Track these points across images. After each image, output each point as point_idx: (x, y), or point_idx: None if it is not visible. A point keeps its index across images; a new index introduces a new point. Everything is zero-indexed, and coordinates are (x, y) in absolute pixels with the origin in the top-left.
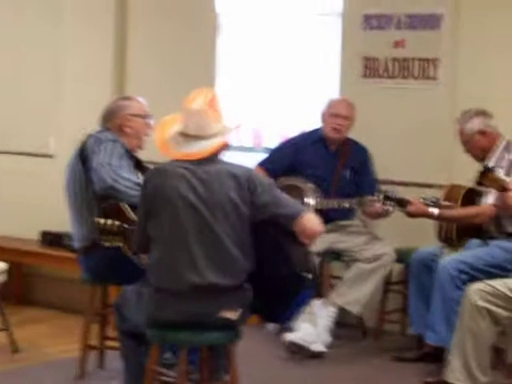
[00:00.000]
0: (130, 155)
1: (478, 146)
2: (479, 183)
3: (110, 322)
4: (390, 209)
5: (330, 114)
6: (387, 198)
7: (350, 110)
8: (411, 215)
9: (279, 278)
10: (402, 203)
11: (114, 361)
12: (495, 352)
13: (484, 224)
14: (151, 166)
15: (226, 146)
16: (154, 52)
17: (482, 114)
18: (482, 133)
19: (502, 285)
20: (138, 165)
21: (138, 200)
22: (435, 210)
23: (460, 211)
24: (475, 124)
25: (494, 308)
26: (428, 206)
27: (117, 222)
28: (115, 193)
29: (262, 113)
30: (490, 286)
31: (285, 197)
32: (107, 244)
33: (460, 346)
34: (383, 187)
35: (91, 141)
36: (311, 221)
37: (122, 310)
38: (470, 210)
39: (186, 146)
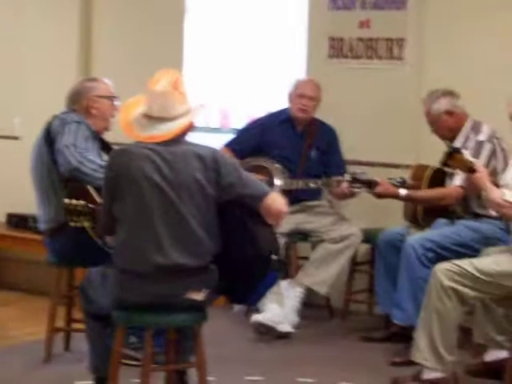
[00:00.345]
0: (96, 137)
1: (445, 126)
2: (445, 164)
3: (76, 305)
4: (358, 191)
5: (297, 94)
6: (355, 180)
7: (315, 91)
8: (379, 196)
9: (246, 260)
10: (369, 184)
11: (81, 343)
12: (462, 332)
13: (451, 205)
14: (115, 147)
15: (191, 127)
16: (121, 33)
17: (449, 94)
18: (450, 113)
19: (468, 264)
20: (104, 146)
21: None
22: (403, 191)
23: (427, 192)
24: (442, 104)
25: (460, 288)
26: (396, 186)
27: (82, 202)
28: (80, 175)
29: (229, 93)
30: (456, 265)
31: (250, 177)
32: (73, 224)
33: (426, 326)
34: (350, 168)
35: (56, 122)
36: (276, 201)
37: (87, 292)
38: (438, 192)
39: (151, 128)
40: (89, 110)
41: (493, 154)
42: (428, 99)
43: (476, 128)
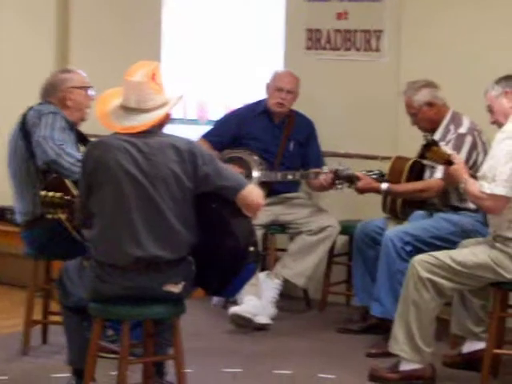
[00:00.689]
0: (72, 128)
1: (426, 117)
2: (423, 156)
3: (53, 297)
4: (340, 187)
5: (275, 87)
6: (337, 177)
7: (293, 84)
8: (360, 191)
9: (223, 252)
10: (351, 180)
11: (58, 336)
12: (439, 323)
13: (431, 197)
14: (92, 139)
15: (167, 119)
16: (98, 25)
17: (430, 85)
18: (431, 104)
19: (446, 256)
20: (81, 138)
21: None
22: (384, 185)
23: (408, 186)
24: (423, 95)
25: (438, 279)
26: (376, 180)
27: (58, 194)
28: (58, 167)
29: (206, 85)
30: (434, 257)
31: (227, 169)
32: (49, 216)
33: (404, 318)
34: (330, 162)
35: (32, 114)
36: (253, 193)
37: (64, 284)
38: (418, 185)
39: (127, 119)
40: (64, 101)
41: (474, 146)
42: (408, 90)
43: (456, 120)
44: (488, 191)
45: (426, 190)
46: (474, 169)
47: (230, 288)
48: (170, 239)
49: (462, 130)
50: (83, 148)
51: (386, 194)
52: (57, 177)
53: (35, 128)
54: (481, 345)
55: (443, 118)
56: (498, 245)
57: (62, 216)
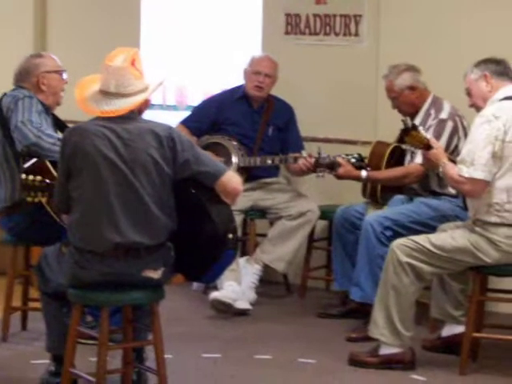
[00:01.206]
0: (48, 112)
1: (408, 101)
2: (402, 141)
3: (32, 284)
4: (321, 175)
5: (252, 71)
6: (318, 165)
7: (271, 68)
8: (340, 177)
9: (202, 238)
10: (332, 166)
11: (37, 322)
12: (419, 307)
13: (412, 183)
14: (69, 124)
15: (146, 105)
16: (77, 10)
17: (412, 69)
18: (412, 88)
19: (425, 240)
20: (57, 123)
21: None
22: (364, 173)
23: (389, 173)
24: (405, 79)
25: (417, 263)
26: (357, 167)
27: (39, 177)
28: (39, 150)
29: (185, 71)
30: (413, 241)
31: (206, 155)
32: (30, 199)
33: (384, 302)
34: (308, 145)
35: (7, 99)
36: (232, 179)
37: (43, 271)
38: (399, 171)
39: (107, 104)
40: (38, 86)
41: (455, 132)
42: (390, 74)
43: (437, 105)
44: (467, 175)
45: (406, 176)
46: (455, 154)
47: (210, 274)
48: (149, 225)
49: (443, 115)
50: (60, 133)
51: (367, 181)
52: (38, 161)
53: (12, 113)
54: (460, 328)
55: (424, 102)
56: (477, 229)
57: (43, 199)
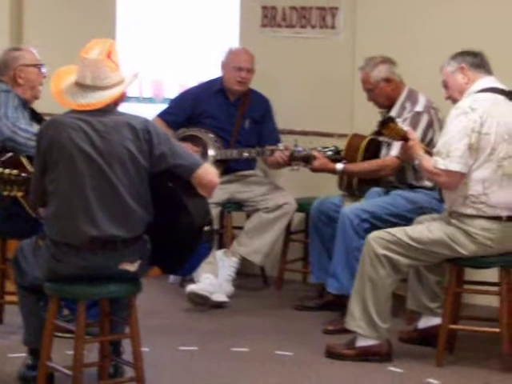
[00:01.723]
0: (25, 106)
1: (384, 93)
2: (379, 133)
3: (9, 277)
4: (296, 168)
5: (234, 67)
6: (293, 158)
7: (252, 62)
8: (315, 170)
9: (178, 230)
10: (307, 160)
11: (14, 315)
12: (395, 299)
13: (388, 175)
14: (47, 118)
15: (123, 97)
16: (53, 2)
17: (388, 61)
18: (388, 80)
19: (401, 232)
20: (34, 116)
21: None
22: (339, 166)
23: (364, 165)
24: (381, 71)
25: (393, 255)
26: (332, 160)
27: (15, 171)
28: (14, 144)
29: (162, 63)
30: (389, 233)
31: (182, 148)
32: (6, 193)
33: (360, 294)
34: (285, 138)
35: None
36: (209, 173)
37: (20, 264)
38: (374, 164)
39: (82, 96)
40: (16, 79)
41: (430, 125)
42: (366, 66)
43: (412, 97)
44: (442, 167)
45: (381, 168)
46: (430, 147)
47: (186, 266)
48: (125, 218)
49: (419, 108)
50: (37, 126)
51: (343, 174)
52: (13, 155)
53: None
54: (436, 320)
55: (399, 94)
56: (453, 221)
57: (19, 194)
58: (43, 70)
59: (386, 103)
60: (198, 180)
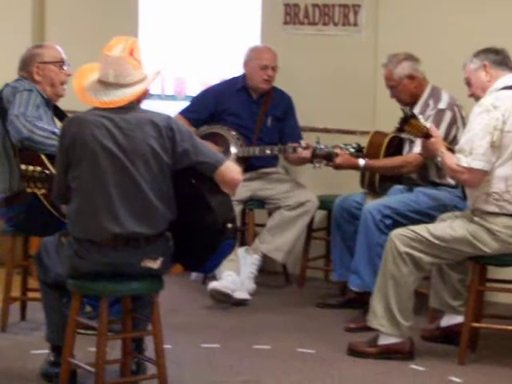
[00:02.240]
0: (49, 104)
1: (407, 90)
2: (401, 130)
3: (31, 274)
4: (318, 165)
5: (260, 66)
6: (315, 155)
7: (276, 60)
8: (338, 167)
9: (201, 228)
10: (329, 157)
11: (37, 312)
12: (418, 297)
13: (411, 172)
14: (70, 115)
15: (145, 95)
16: (75, 3)
17: (411, 58)
18: (411, 77)
19: (424, 230)
20: (58, 114)
21: (55, 149)
22: (362, 162)
23: (387, 162)
24: (404, 68)
25: (416, 253)
26: (354, 156)
27: (38, 168)
28: (32, 144)
29: (184, 61)
30: (412, 231)
31: (205, 146)
32: (29, 190)
33: (382, 292)
34: (306, 135)
35: (7, 90)
36: (231, 170)
37: (43, 261)
38: (397, 160)
39: (105, 94)
40: (34, 76)
41: (453, 121)
42: (389, 63)
43: (435, 95)
44: (465, 164)
45: (404, 165)
46: (453, 144)
47: (209, 264)
48: (148, 215)
49: (442, 105)
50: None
51: (365, 170)
52: (33, 153)
53: (10, 105)
54: (459, 319)
55: (422, 91)
56: (476, 219)
57: (41, 191)
58: (65, 67)
59: (409, 100)
60: (221, 177)
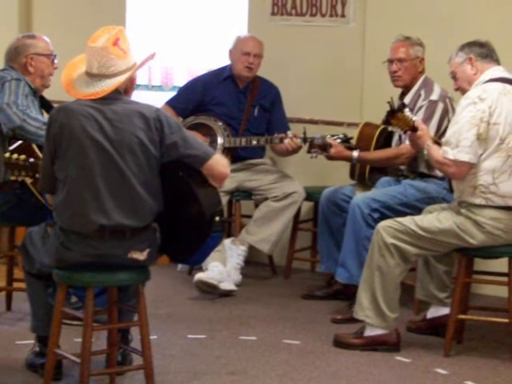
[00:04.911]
0: (36, 95)
1: (412, 71)
2: (388, 122)
3: (17, 264)
4: (314, 155)
5: (242, 52)
6: (312, 145)
7: (260, 48)
8: (331, 158)
9: (188, 220)
10: (325, 147)
11: (22, 303)
12: (404, 288)
13: (403, 164)
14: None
15: (132, 84)
16: None
17: (422, 44)
18: (421, 61)
19: (410, 222)
20: (44, 105)
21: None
22: (355, 153)
23: (380, 153)
24: (419, 50)
25: (402, 245)
26: (348, 148)
27: (22, 156)
28: (24, 133)
29: (171, 51)
30: (398, 222)
31: (194, 138)
32: (13, 178)
33: (369, 283)
34: (293, 126)
35: None
36: (220, 164)
37: (28, 251)
38: (389, 152)
39: (88, 86)
40: (27, 67)
41: (445, 113)
42: (407, 39)
43: (428, 86)
44: (451, 157)
45: (397, 156)
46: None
47: (196, 256)
48: (135, 207)
49: (434, 96)
50: (47, 115)
51: (358, 161)
52: (23, 143)
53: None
54: (445, 310)
55: (417, 81)
56: (462, 211)
57: (27, 179)
58: (55, 60)
59: (407, 83)
60: (209, 170)
